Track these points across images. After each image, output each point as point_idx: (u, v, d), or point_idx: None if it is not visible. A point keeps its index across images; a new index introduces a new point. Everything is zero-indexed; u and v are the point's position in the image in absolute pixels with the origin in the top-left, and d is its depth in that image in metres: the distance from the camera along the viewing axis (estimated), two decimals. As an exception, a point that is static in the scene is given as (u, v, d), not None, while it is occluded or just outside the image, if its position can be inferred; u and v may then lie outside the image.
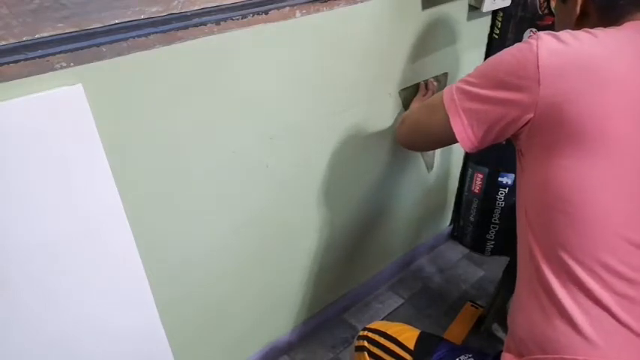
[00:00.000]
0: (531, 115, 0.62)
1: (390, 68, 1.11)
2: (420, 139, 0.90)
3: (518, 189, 0.72)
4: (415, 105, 1.14)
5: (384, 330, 0.88)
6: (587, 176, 0.60)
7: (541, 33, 0.62)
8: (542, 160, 0.63)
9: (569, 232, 0.62)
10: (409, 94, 1.19)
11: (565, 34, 0.61)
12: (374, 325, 0.91)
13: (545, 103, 0.60)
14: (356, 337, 0.92)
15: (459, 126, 0.71)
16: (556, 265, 0.63)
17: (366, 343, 0.88)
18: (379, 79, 1.10)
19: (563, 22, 0.72)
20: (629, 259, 0.60)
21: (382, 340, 0.86)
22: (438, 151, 1.44)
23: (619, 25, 0.63)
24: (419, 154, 1.37)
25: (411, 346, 0.83)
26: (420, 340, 0.85)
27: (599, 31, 0.61)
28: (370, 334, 0.89)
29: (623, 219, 0.60)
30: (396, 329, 0.88)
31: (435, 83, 1.21)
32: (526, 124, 0.63)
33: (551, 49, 0.60)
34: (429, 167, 1.44)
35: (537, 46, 0.60)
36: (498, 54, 0.67)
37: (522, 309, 0.70)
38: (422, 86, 1.20)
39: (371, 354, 0.86)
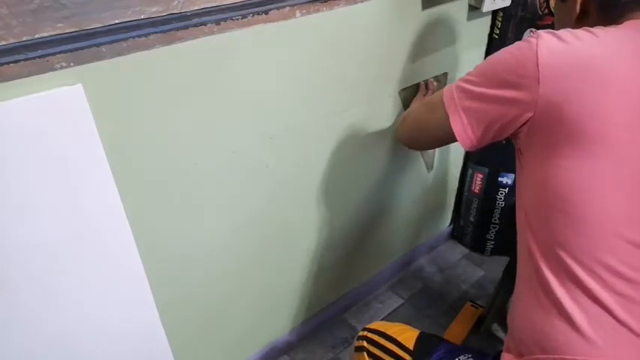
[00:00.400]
0: (531, 114, 0.62)
1: (390, 68, 1.11)
2: (420, 137, 0.90)
3: (518, 188, 0.72)
4: (415, 104, 1.14)
5: (383, 330, 0.88)
6: (587, 176, 0.60)
7: (541, 31, 0.62)
8: (542, 160, 0.63)
9: (569, 231, 0.62)
10: (409, 94, 1.19)
11: (565, 33, 0.60)
12: (373, 325, 0.91)
13: (544, 101, 0.60)
14: (355, 337, 0.92)
15: (459, 125, 0.71)
16: (555, 264, 0.63)
17: (365, 344, 0.88)
18: (379, 79, 1.10)
19: (562, 21, 0.72)
20: (629, 259, 0.60)
21: (382, 341, 0.86)
22: (437, 151, 1.44)
23: (619, 23, 0.63)
24: (418, 153, 1.37)
25: (411, 346, 0.83)
26: (419, 340, 0.85)
27: (600, 30, 0.60)
28: (370, 335, 0.89)
29: (623, 219, 0.60)
30: (395, 329, 0.88)
31: (435, 83, 1.21)
32: (525, 122, 0.63)
33: (551, 47, 0.60)
34: (429, 167, 1.44)
35: (537, 44, 0.60)
36: (498, 52, 0.67)
37: (522, 308, 0.70)
38: (422, 86, 1.20)
39: (370, 354, 0.86)
